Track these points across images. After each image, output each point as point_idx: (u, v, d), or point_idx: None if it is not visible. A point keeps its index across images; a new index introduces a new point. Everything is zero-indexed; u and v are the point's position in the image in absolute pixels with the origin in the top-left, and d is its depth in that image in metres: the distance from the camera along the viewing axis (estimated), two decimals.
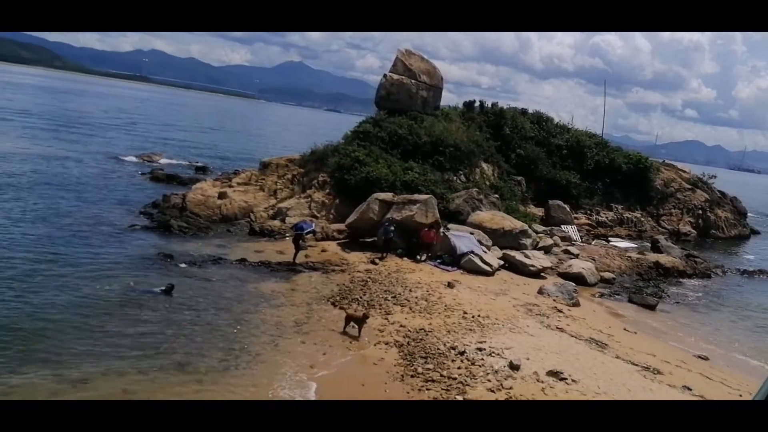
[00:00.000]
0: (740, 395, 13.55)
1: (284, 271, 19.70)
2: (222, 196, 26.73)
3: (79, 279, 16.41)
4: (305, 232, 21.77)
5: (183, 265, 19.00)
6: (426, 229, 22.25)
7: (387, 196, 24.23)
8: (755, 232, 46.28)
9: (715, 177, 46.74)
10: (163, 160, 43.61)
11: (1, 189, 26.13)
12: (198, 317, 14.72)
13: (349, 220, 24.26)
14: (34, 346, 11.99)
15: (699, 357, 16.73)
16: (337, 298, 17.05)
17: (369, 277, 19.26)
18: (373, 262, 21.34)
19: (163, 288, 16.10)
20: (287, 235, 23.84)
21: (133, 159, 42.11)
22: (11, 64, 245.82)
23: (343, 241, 24.04)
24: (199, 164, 43.80)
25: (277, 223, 25.15)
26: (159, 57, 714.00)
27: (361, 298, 17.09)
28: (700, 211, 41.32)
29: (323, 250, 22.34)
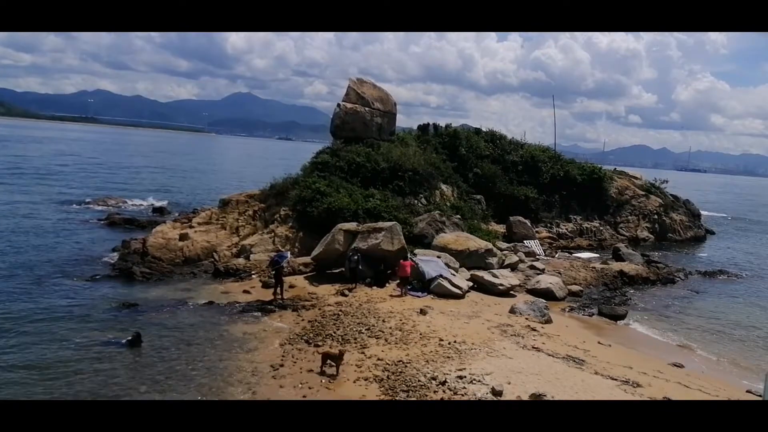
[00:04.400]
0: None
1: (254, 311, 19.29)
2: (183, 237, 26.15)
3: (40, 337, 15.73)
4: (284, 261, 21.53)
5: (149, 313, 18.43)
6: (402, 261, 22.02)
7: (351, 226, 24.12)
8: (710, 233, 47.77)
9: (667, 182, 48.22)
10: (119, 204, 42.59)
11: None
12: (170, 368, 14.22)
13: (315, 252, 24.02)
14: None
15: (674, 365, 16.99)
16: (311, 335, 16.74)
17: (340, 311, 19.02)
18: (342, 294, 21.12)
19: (130, 338, 15.55)
20: (253, 273, 23.45)
21: (88, 204, 40.96)
22: None
23: (310, 274, 23.75)
24: (156, 205, 42.87)
25: (241, 261, 24.71)
26: (104, 96, 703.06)
27: (335, 333, 16.81)
28: (656, 216, 42.49)
29: (291, 286, 22.00)
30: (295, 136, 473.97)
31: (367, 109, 32.33)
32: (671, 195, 46.80)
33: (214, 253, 25.45)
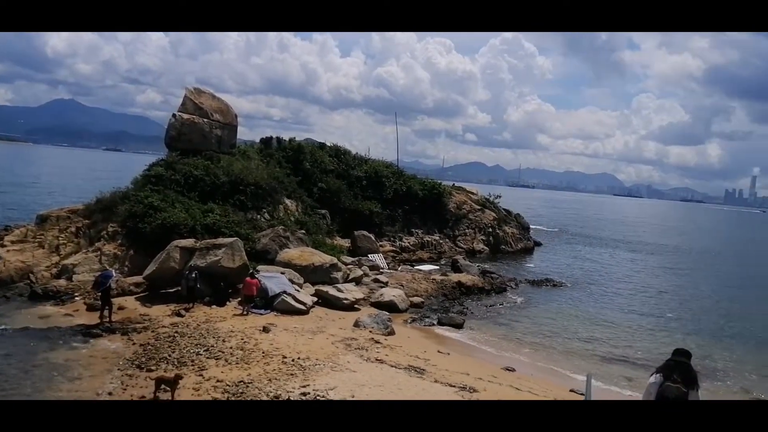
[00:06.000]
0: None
1: (79, 336, 17.42)
2: None
3: None
4: (110, 281, 19.63)
5: None
6: (248, 279, 21.10)
7: (188, 242, 22.80)
8: (538, 244, 51.70)
9: (500, 197, 51.55)
10: None
11: None
12: None
13: (147, 271, 22.36)
14: None
15: (507, 369, 17.89)
16: (143, 359, 15.41)
17: (176, 332, 17.77)
18: (178, 314, 19.80)
19: None
20: (77, 295, 21.27)
21: None
22: None
23: (142, 294, 22.01)
24: None
25: (63, 282, 22.30)
26: None
27: (170, 356, 15.61)
28: (491, 230, 45.15)
29: (121, 308, 20.18)
30: (125, 147, 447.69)
31: (205, 120, 30.95)
32: (504, 209, 50.12)
33: (30, 274, 22.75)
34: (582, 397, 14.08)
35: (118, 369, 14.85)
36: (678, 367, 7.81)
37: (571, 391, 16.44)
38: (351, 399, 12.69)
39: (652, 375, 7.98)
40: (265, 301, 21.47)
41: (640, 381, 16.08)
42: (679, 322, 27.54)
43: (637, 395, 12.43)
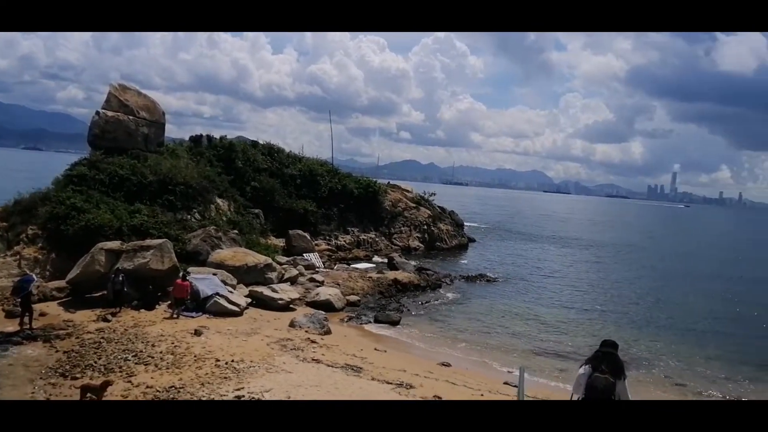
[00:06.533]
0: (481, 395, 14.85)
1: None
2: None
3: None
4: (31, 286, 18.59)
5: None
6: (179, 281, 20.42)
7: (114, 244, 21.93)
8: (472, 240, 52.57)
9: (435, 194, 52.07)
10: None
11: None
12: None
13: (71, 275, 21.35)
14: None
15: (443, 365, 18.07)
16: (68, 367, 14.66)
17: (103, 337, 17.04)
18: (105, 319, 18.99)
19: None
20: None
21: None
22: None
23: (65, 299, 20.98)
24: None
25: None
26: None
27: (96, 363, 14.94)
28: (426, 227, 45.57)
29: (42, 314, 19.18)
30: (46, 146, 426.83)
31: (131, 117, 29.83)
32: (438, 206, 50.67)
33: None
34: (515, 389, 14.35)
35: (41, 378, 14.08)
36: (606, 358, 8.05)
37: (505, 383, 16.75)
38: (341, 399, 12.49)
39: (581, 366, 8.21)
40: (197, 304, 20.90)
41: (570, 372, 16.52)
42: (606, 314, 28.53)
43: (568, 387, 12.78)
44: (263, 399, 12.58)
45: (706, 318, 29.25)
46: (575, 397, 7.98)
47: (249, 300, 22.35)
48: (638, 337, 24.41)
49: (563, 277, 39.34)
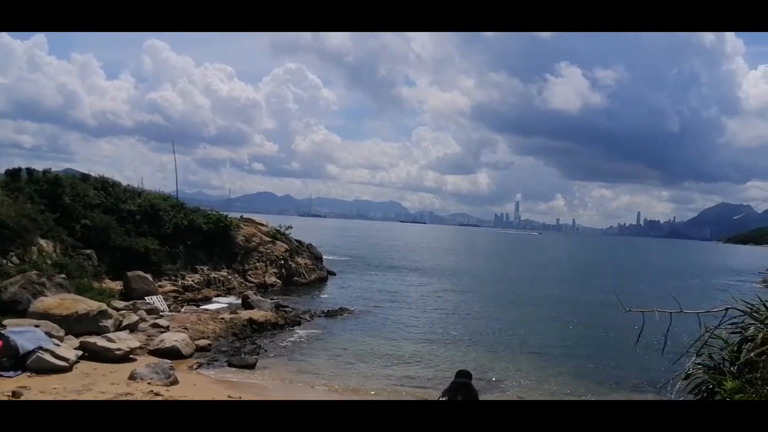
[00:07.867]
0: None
1: None
2: None
3: None
4: None
5: None
6: None
7: None
8: (332, 273, 51.65)
9: (291, 227, 50.55)
10: None
11: None
12: None
13: None
14: None
15: None
16: None
17: None
18: None
19: None
20: None
21: None
22: None
23: None
24: None
25: None
26: None
27: None
28: (282, 262, 43.80)
29: None
30: None
31: None
32: (296, 240, 49.29)
33: None
34: None
35: None
36: (461, 389, 8.66)
37: None
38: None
39: (439, 399, 8.73)
40: (15, 361, 17.82)
41: None
42: (461, 341, 28.79)
43: None
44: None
45: (550, 338, 30.59)
46: None
47: (80, 353, 19.49)
48: (492, 360, 24.85)
49: (422, 307, 39.43)
